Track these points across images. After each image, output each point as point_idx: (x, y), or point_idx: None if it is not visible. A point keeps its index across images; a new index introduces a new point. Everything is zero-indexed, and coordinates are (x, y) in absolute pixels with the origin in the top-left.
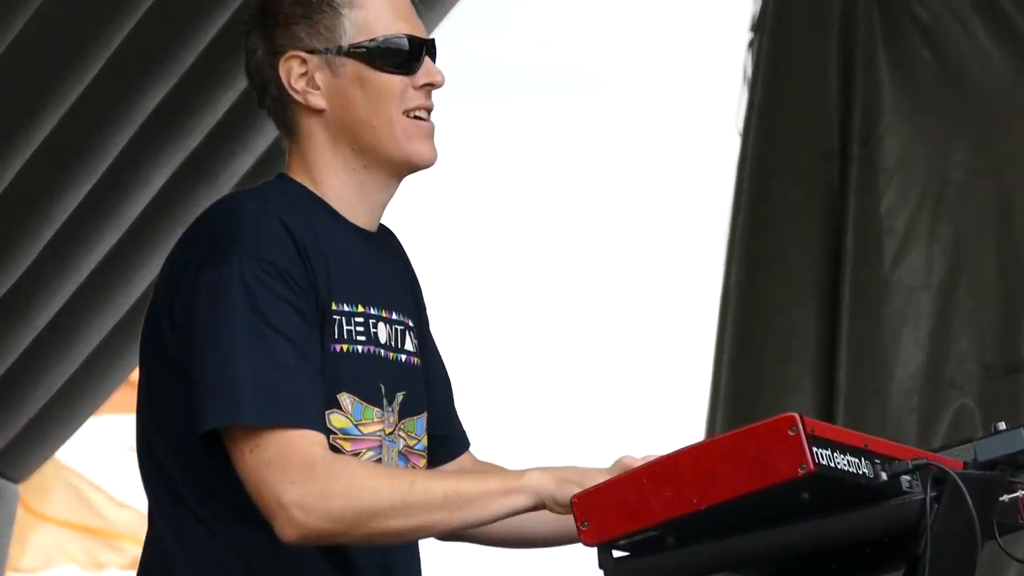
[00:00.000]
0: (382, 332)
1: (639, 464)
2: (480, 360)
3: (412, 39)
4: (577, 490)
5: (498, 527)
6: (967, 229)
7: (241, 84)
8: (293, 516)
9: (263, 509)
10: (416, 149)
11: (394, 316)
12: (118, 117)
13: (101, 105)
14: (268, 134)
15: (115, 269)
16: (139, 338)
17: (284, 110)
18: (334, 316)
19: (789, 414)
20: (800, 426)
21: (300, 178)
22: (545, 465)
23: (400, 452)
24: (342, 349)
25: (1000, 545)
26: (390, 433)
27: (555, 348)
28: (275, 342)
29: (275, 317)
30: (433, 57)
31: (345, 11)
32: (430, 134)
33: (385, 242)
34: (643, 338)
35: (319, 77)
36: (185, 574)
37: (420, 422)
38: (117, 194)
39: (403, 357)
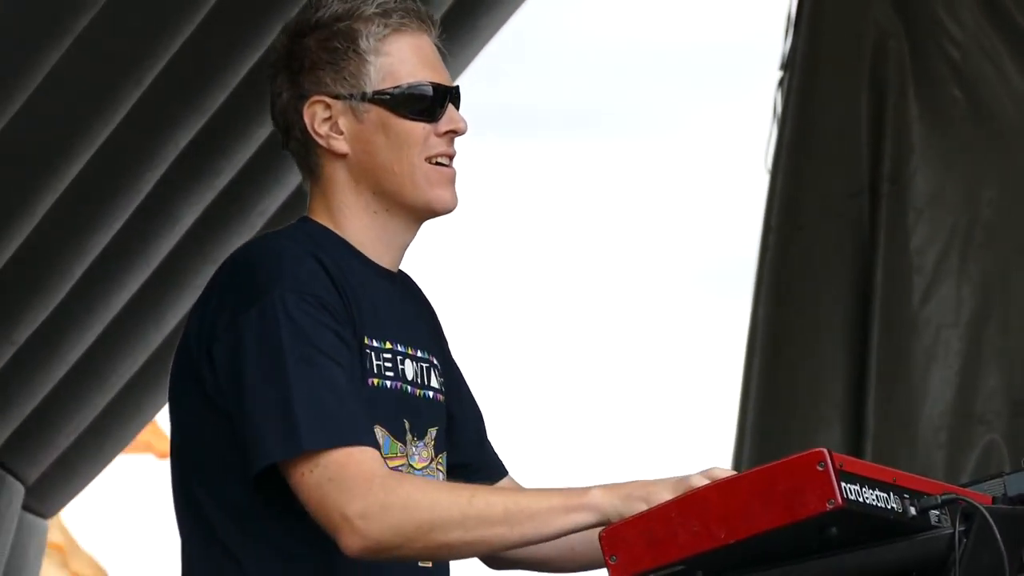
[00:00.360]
0: (409, 369)
1: (703, 482)
2: (513, 390)
3: (436, 87)
4: (643, 506)
5: (551, 549)
6: (996, 267)
7: (271, 123)
8: (357, 527)
9: (327, 526)
10: (437, 195)
11: (419, 354)
12: (149, 156)
13: (132, 144)
14: (297, 173)
15: (144, 307)
16: (168, 378)
17: (307, 153)
18: (367, 350)
19: (818, 449)
20: (829, 461)
21: (323, 220)
22: (605, 483)
23: None
24: (374, 383)
25: None
26: (424, 467)
27: (588, 380)
28: (324, 366)
29: (321, 343)
30: (457, 104)
31: (371, 58)
32: (452, 180)
33: (404, 283)
34: (673, 374)
35: (343, 122)
36: None
37: (444, 458)
38: (147, 233)
39: (430, 394)
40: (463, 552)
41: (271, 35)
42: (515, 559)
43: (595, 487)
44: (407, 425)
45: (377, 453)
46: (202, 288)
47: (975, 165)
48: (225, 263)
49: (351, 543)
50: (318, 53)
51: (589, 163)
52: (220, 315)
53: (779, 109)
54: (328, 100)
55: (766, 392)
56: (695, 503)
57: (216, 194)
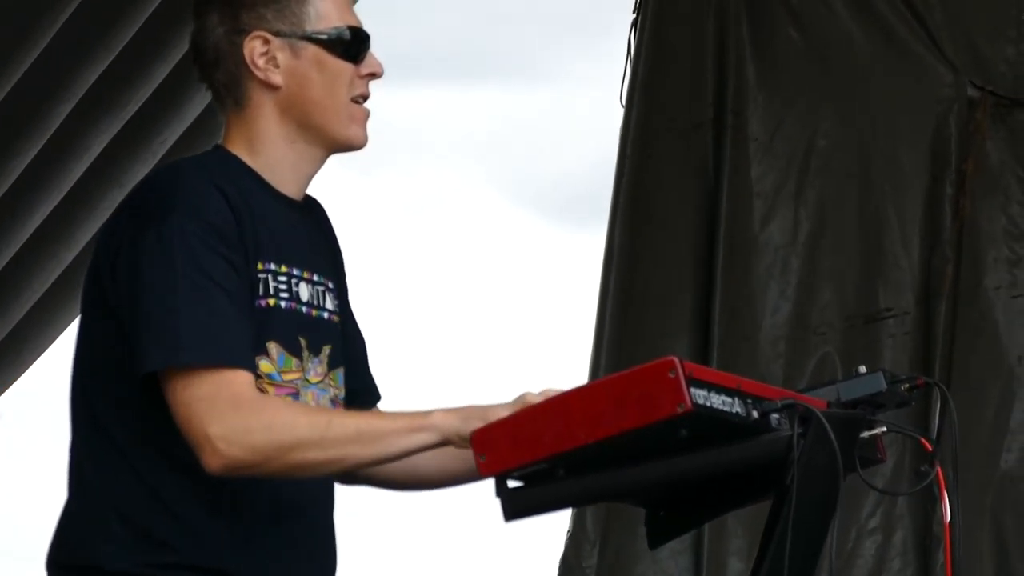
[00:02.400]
0: (303, 291)
1: (538, 400)
2: (384, 319)
3: (361, 31)
4: (480, 425)
5: (396, 470)
6: (830, 192)
7: (171, 61)
8: (217, 448)
9: (191, 442)
10: (355, 131)
11: (315, 277)
12: (61, 90)
13: (45, 80)
14: (195, 105)
15: (56, 230)
16: (80, 291)
17: (236, 84)
18: (260, 274)
19: (669, 357)
20: (679, 368)
21: (236, 149)
22: (452, 405)
23: (331, 399)
24: (268, 304)
25: (861, 476)
26: (319, 382)
27: (454, 310)
28: (212, 292)
29: (212, 270)
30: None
31: (311, 0)
32: (367, 119)
33: (311, 211)
34: (536, 298)
35: (280, 57)
36: (104, 506)
37: (340, 374)
38: (58, 161)
39: (324, 314)
40: (319, 470)
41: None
42: (368, 478)
43: (437, 410)
44: (303, 342)
45: (251, 377)
46: (110, 211)
47: (810, 100)
48: (136, 186)
49: (211, 462)
50: None
51: (454, 108)
52: (125, 233)
53: (632, 49)
54: (268, 36)
55: (621, 307)
56: (558, 407)
57: (122, 125)
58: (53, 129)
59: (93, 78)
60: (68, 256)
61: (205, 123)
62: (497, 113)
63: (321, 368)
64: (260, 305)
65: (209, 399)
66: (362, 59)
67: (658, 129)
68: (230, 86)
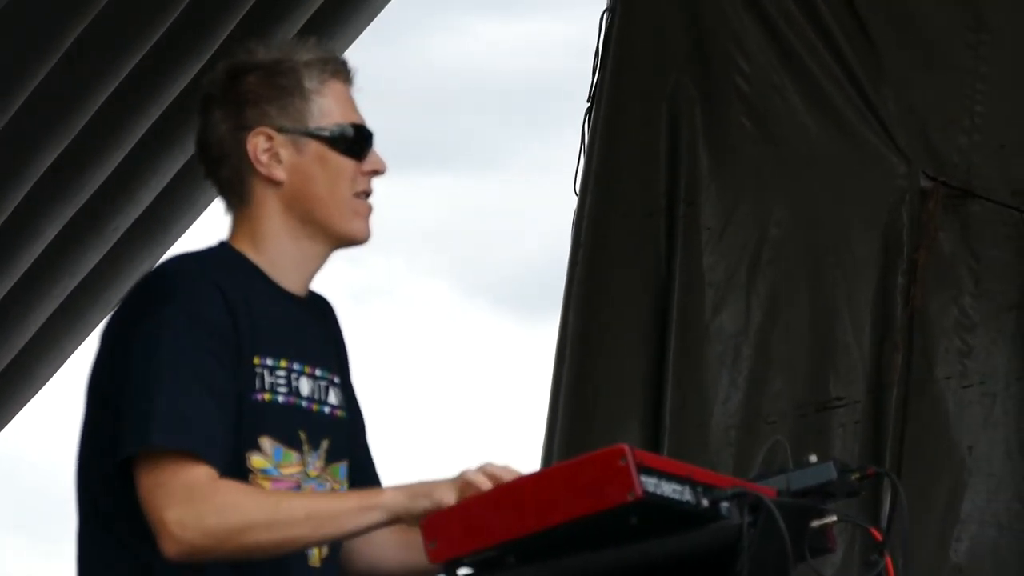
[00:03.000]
0: (304, 386)
1: (476, 476)
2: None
3: (364, 129)
4: (426, 502)
5: (359, 561)
6: (782, 282)
7: (126, 147)
8: (172, 532)
9: (151, 527)
10: (359, 226)
11: (317, 372)
12: (15, 176)
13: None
14: (148, 192)
15: (10, 312)
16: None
17: (241, 180)
18: (256, 369)
19: (620, 445)
20: (630, 456)
21: (240, 245)
22: (400, 483)
23: None
24: (264, 399)
25: (812, 565)
26: (316, 476)
27: (411, 402)
28: (193, 387)
29: (198, 366)
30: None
31: (314, 97)
32: (370, 213)
33: (316, 307)
34: (490, 388)
35: (283, 153)
36: None
37: (343, 468)
38: (12, 245)
39: (326, 409)
40: (273, 551)
41: (132, 62)
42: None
43: (388, 488)
44: (302, 436)
45: (212, 471)
46: (62, 298)
47: (763, 189)
48: (142, 277)
49: (168, 547)
50: (263, 89)
51: (405, 196)
52: (123, 324)
53: (587, 137)
54: (271, 132)
55: (574, 395)
56: (508, 493)
57: (76, 211)
58: (7, 214)
59: (48, 164)
60: (20, 342)
61: (157, 211)
62: (448, 202)
63: (319, 462)
64: (255, 400)
65: (167, 485)
66: (365, 156)
67: (612, 217)
68: (234, 182)
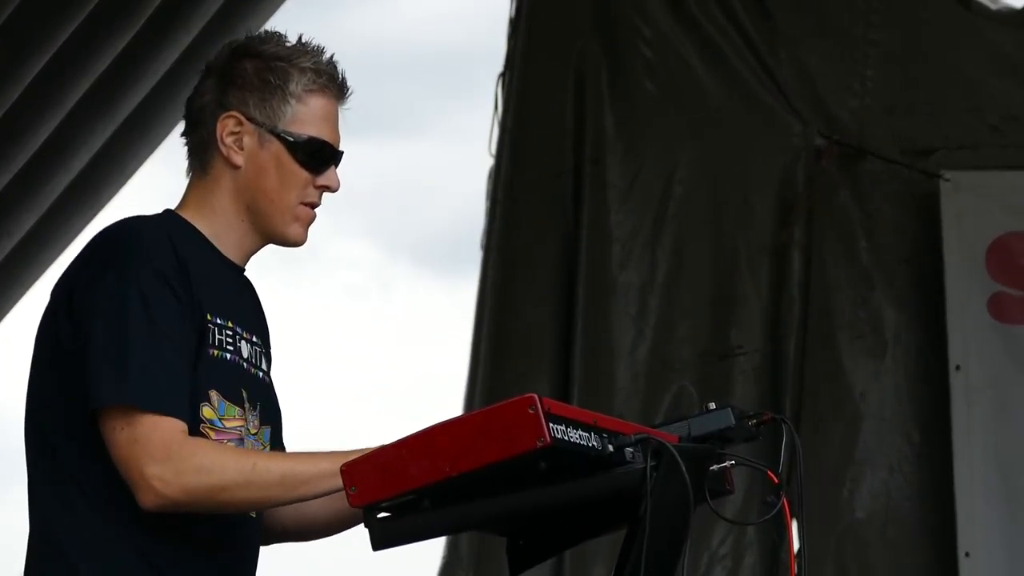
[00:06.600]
0: (244, 348)
1: None
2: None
3: (330, 148)
4: None
5: (290, 521)
6: (685, 237)
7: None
8: (153, 487)
9: (127, 480)
10: (295, 231)
11: (254, 339)
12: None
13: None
14: (79, 160)
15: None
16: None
17: (205, 151)
18: (209, 325)
19: (529, 394)
20: (539, 405)
21: (187, 214)
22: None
23: None
24: (214, 354)
25: (711, 507)
26: (255, 433)
27: (340, 361)
28: (160, 340)
29: (163, 318)
30: (337, 165)
31: (293, 101)
32: (311, 222)
33: (247, 283)
34: (414, 343)
35: (247, 141)
36: (62, 531)
37: (267, 432)
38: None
39: (260, 374)
40: (246, 509)
41: (61, 39)
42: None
43: (358, 451)
44: (244, 394)
45: (184, 425)
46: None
47: (667, 149)
48: (95, 235)
49: (147, 500)
50: (252, 78)
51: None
52: (79, 277)
53: (500, 102)
54: (242, 119)
55: (493, 348)
56: (424, 440)
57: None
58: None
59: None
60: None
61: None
62: (372, 168)
63: (257, 422)
64: (208, 354)
65: (145, 441)
66: (321, 172)
67: (524, 178)
68: (200, 151)
